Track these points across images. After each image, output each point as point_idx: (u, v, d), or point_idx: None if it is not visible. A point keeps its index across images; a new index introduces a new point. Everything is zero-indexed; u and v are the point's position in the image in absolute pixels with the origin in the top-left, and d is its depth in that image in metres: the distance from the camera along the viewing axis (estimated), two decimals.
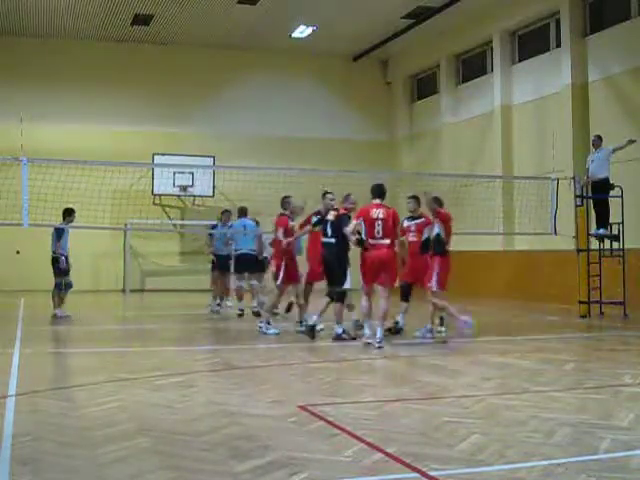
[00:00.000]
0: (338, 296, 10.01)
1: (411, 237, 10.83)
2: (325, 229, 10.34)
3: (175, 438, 4.72)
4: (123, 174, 15.88)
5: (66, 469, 4.09)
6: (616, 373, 7.40)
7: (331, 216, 10.30)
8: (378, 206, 9.49)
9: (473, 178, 19.14)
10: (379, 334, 9.16)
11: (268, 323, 10.84)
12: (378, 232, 9.31)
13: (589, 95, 17.36)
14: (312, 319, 10.21)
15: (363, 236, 9.35)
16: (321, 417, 5.29)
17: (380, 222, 9.32)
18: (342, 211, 10.32)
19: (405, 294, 10.82)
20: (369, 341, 9.33)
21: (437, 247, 10.22)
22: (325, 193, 10.95)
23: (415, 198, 11.06)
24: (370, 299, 9.55)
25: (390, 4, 19.77)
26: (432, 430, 4.93)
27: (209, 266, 15.47)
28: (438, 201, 10.52)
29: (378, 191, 9.65)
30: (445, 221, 10.32)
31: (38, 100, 21.88)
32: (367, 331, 9.46)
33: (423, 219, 10.85)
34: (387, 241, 9.34)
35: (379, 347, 9.06)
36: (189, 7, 20.06)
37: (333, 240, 10.12)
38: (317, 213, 11.04)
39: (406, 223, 10.92)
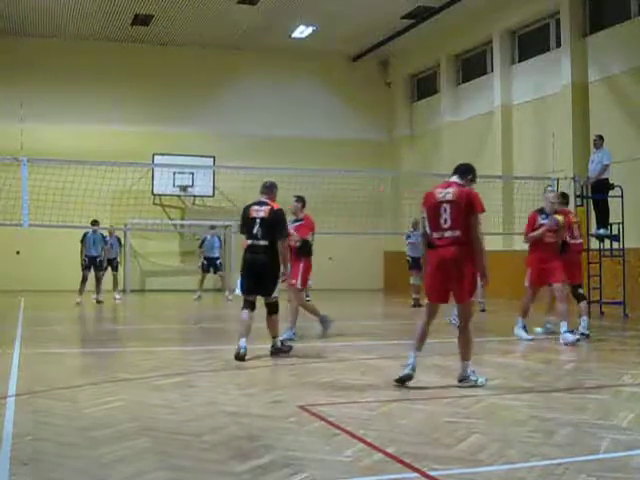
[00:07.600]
0: None
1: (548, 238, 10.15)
2: None
3: (175, 438, 4.71)
4: (123, 174, 15.90)
5: (66, 469, 4.08)
6: (616, 373, 7.40)
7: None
8: (447, 185, 6.60)
9: None
10: (470, 374, 6.51)
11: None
12: (445, 221, 6.41)
13: (589, 95, 17.36)
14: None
15: (427, 229, 6.61)
16: (321, 417, 5.29)
17: (447, 206, 6.43)
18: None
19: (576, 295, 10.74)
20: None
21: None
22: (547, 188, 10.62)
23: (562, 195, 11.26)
24: (429, 323, 6.65)
25: (390, 4, 19.77)
26: (432, 430, 4.93)
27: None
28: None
29: (457, 168, 6.79)
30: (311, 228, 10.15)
31: (38, 100, 21.89)
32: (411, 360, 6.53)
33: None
34: (457, 233, 6.40)
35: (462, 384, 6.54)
36: (189, 7, 20.06)
37: None
38: (541, 211, 10.43)
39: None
